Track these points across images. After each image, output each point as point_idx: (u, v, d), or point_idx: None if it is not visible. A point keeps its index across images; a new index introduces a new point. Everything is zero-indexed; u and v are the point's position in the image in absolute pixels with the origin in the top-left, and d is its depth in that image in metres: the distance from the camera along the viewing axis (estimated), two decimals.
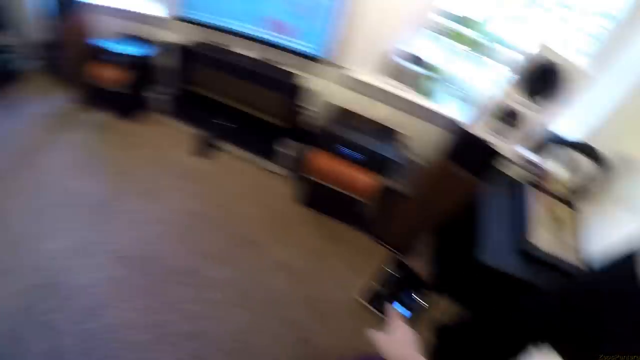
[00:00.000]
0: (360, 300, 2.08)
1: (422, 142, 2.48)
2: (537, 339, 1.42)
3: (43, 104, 2.90)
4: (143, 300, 1.95)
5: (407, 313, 2.03)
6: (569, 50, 1.35)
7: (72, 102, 2.92)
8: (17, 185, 2.33)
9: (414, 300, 2.06)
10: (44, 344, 1.72)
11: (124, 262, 2.07)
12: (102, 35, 2.67)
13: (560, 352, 1.25)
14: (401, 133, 2.32)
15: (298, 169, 2.64)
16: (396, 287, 2.11)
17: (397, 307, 2.00)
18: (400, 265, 2.22)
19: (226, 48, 2.55)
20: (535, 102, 1.43)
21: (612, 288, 1.25)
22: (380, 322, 2.00)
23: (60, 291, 1.90)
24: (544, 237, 1.89)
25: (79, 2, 2.50)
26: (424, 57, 2.27)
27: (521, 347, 1.33)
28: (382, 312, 2.01)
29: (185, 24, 2.51)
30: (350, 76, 2.29)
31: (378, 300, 2.06)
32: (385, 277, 2.15)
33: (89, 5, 2.56)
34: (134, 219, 2.28)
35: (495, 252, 1.82)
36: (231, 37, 2.47)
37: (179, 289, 2.02)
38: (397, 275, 2.17)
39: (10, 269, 1.94)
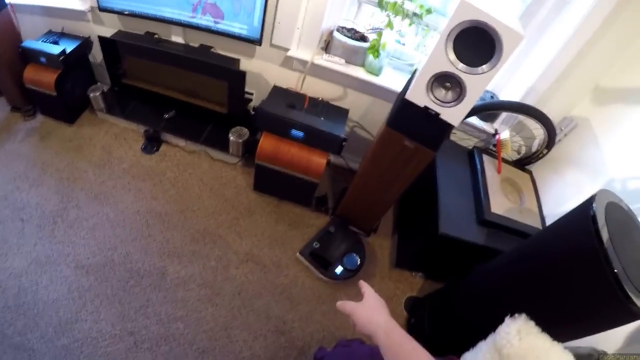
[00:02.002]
0: (300, 257, 2.18)
1: (368, 116, 2.52)
2: (504, 304, 1.49)
3: None
4: (112, 308, 2.00)
5: (352, 270, 2.15)
6: (502, 11, 1.34)
7: (8, 111, 2.81)
8: None
9: (355, 258, 2.18)
10: None
11: (87, 271, 2.11)
12: (28, 37, 2.53)
13: (537, 320, 1.29)
14: (347, 109, 2.33)
15: (248, 155, 2.66)
16: (335, 246, 2.22)
17: (340, 266, 2.19)
18: (340, 225, 2.31)
19: (159, 37, 2.45)
20: (475, 67, 1.42)
21: (567, 244, 1.30)
22: (318, 279, 2.12)
23: (28, 310, 1.93)
24: (502, 203, 1.99)
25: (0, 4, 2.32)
26: (364, 31, 2.25)
27: (496, 317, 1.37)
28: (320, 268, 2.20)
29: (114, 15, 2.41)
30: (290, 56, 2.26)
31: (317, 257, 2.22)
32: (324, 235, 2.25)
33: (9, 6, 2.37)
34: (90, 225, 2.29)
35: (456, 223, 1.91)
36: (164, 25, 2.38)
37: (147, 292, 2.08)
38: (334, 233, 2.27)
39: None
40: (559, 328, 1.31)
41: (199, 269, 2.20)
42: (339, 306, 0.88)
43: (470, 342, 1.45)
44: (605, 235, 1.13)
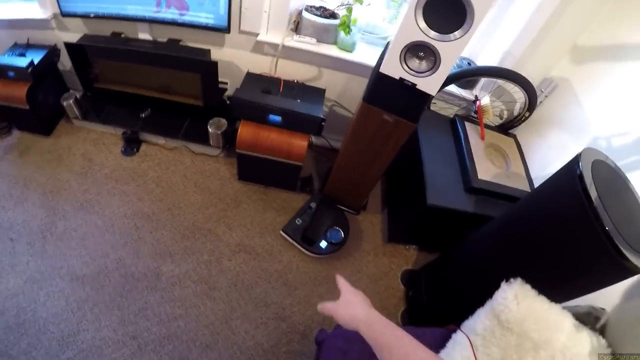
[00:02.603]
0: (283, 234, 2.26)
1: (346, 94, 2.52)
2: (499, 270, 1.51)
3: None
4: (112, 314, 2.02)
5: (337, 244, 2.18)
6: None
7: None
8: None
9: (339, 232, 2.20)
10: None
11: (83, 281, 2.12)
12: None
13: (533, 283, 1.32)
14: (323, 89, 2.31)
15: (229, 146, 2.66)
16: (318, 221, 2.23)
17: (324, 241, 2.23)
18: (322, 201, 2.33)
19: (126, 36, 2.42)
20: (447, 34, 1.40)
21: (556, 205, 1.31)
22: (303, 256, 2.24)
23: (29, 328, 1.95)
24: (488, 169, 2.00)
25: None
26: (333, 8, 2.23)
27: (492, 283, 1.40)
28: (302, 244, 2.24)
29: (78, 19, 2.38)
30: (261, 41, 2.24)
31: (301, 234, 2.27)
32: (306, 212, 2.26)
33: None
34: (79, 236, 2.30)
35: (444, 193, 1.93)
36: (129, 23, 2.35)
37: (144, 294, 2.10)
38: (316, 208, 2.29)
39: None
40: (555, 289, 1.34)
41: (192, 265, 2.22)
42: (319, 309, 0.91)
43: (469, 310, 1.48)
44: (593, 193, 1.14)
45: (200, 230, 2.38)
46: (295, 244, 2.27)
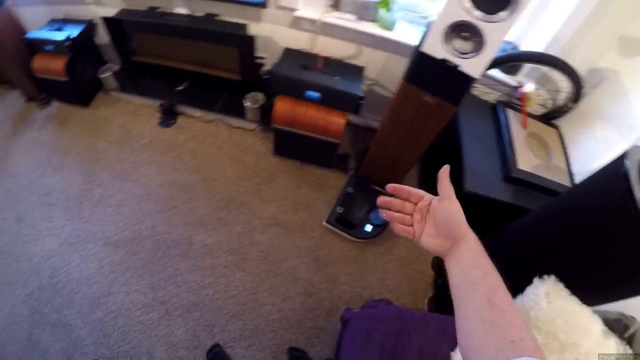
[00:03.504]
0: (328, 225, 2.25)
1: (385, 72, 2.51)
2: (532, 265, 1.48)
3: None
4: (143, 279, 2.10)
5: (380, 226, 2.17)
6: None
7: (24, 102, 2.90)
8: None
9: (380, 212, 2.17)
10: (60, 342, 1.90)
11: (116, 246, 2.20)
12: (31, 28, 2.60)
13: (566, 282, 1.30)
14: (362, 67, 2.31)
15: (266, 120, 2.68)
16: (358, 206, 2.23)
17: (368, 224, 2.24)
18: (358, 184, 2.32)
19: (162, 11, 2.45)
20: (493, 14, 1.37)
21: (598, 203, 1.27)
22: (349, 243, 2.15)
23: (62, 289, 2.05)
24: (528, 159, 1.95)
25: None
26: None
27: (524, 278, 1.38)
28: (346, 231, 2.24)
29: None
30: (298, 16, 2.25)
31: (343, 221, 2.25)
32: (345, 198, 2.26)
33: (9, 0, 2.42)
34: (115, 203, 2.38)
35: (482, 180, 1.88)
36: None
37: (175, 261, 2.17)
38: (354, 193, 2.33)
39: (8, 279, 2.08)
40: (588, 291, 1.31)
41: (224, 236, 2.27)
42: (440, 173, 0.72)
43: None
44: (638, 193, 1.09)
45: (234, 203, 2.42)
46: (341, 232, 2.27)
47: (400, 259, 2.27)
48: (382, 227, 2.27)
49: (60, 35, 2.46)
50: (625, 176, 1.13)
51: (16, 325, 1.94)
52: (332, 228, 2.31)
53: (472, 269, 0.66)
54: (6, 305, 1.99)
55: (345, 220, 2.29)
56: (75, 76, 2.65)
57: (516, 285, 1.38)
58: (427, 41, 1.56)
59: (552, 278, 1.31)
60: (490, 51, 1.45)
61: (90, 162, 2.55)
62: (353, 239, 2.28)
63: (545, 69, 2.07)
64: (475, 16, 1.39)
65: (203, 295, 2.05)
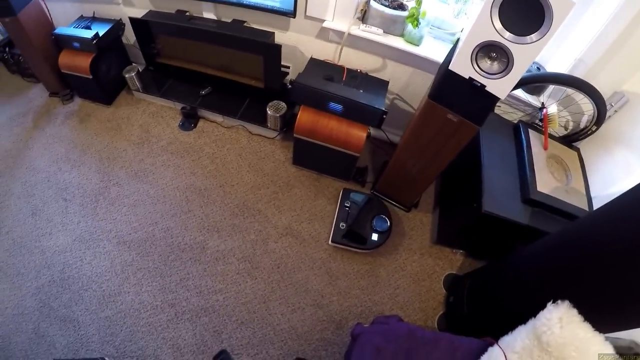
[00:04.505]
0: (333, 244, 2.28)
1: (409, 88, 2.52)
2: (546, 289, 1.47)
3: (18, 104, 2.94)
4: (154, 281, 2.13)
5: (385, 231, 2.23)
6: None
7: (47, 97, 2.98)
8: (8, 188, 2.46)
9: (383, 219, 2.20)
10: (67, 337, 1.93)
11: (129, 246, 2.24)
12: (60, 24, 2.68)
13: (580, 308, 1.28)
14: (387, 81, 2.33)
15: (287, 129, 2.72)
16: (361, 217, 2.25)
17: (374, 234, 2.26)
18: (349, 196, 2.42)
19: (190, 14, 2.53)
20: (523, 36, 1.38)
21: (618, 230, 1.24)
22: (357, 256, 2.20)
23: (72, 284, 2.09)
24: (548, 182, 1.95)
25: None
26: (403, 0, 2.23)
27: (537, 302, 1.37)
28: (355, 246, 2.24)
29: None
30: (326, 27, 2.29)
31: (349, 236, 2.25)
32: (345, 212, 2.27)
33: None
34: (131, 202, 2.42)
35: (501, 201, 1.89)
36: (194, 1, 2.47)
37: (187, 265, 2.19)
38: (351, 205, 2.38)
39: (19, 271, 2.12)
40: (602, 318, 1.29)
41: (238, 243, 2.29)
42: None
43: (509, 326, 1.45)
44: None
45: (250, 210, 2.44)
46: (350, 248, 2.28)
47: (413, 275, 2.27)
48: (387, 233, 2.28)
49: (87, 33, 2.53)
50: None
51: (24, 317, 1.98)
52: (339, 246, 2.32)
53: None
54: (16, 296, 2.04)
55: (351, 234, 2.29)
56: (100, 74, 2.71)
57: (528, 308, 1.39)
58: (455, 59, 1.57)
59: (566, 303, 1.29)
60: (518, 72, 1.46)
61: (109, 160, 2.60)
62: (364, 251, 2.29)
63: (569, 90, 2.07)
64: (505, 37, 1.40)
65: (213, 301, 2.07)
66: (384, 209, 2.40)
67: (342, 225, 2.33)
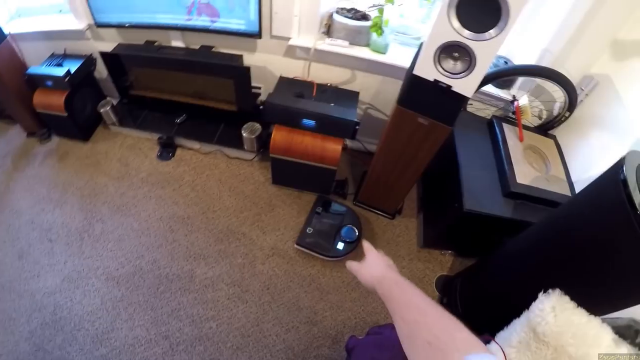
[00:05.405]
0: (298, 247, 2.32)
1: (380, 96, 2.56)
2: (536, 279, 1.48)
3: None
4: (145, 314, 2.12)
5: (352, 242, 2.25)
6: None
7: (25, 137, 2.99)
8: None
9: (352, 229, 2.20)
10: None
11: (118, 281, 2.24)
12: (32, 63, 2.69)
13: (572, 294, 1.29)
14: (357, 92, 2.37)
15: (263, 150, 2.74)
16: (329, 224, 2.34)
17: (340, 242, 2.28)
18: (326, 203, 2.46)
19: (159, 44, 2.54)
20: (482, 33, 1.39)
21: (598, 212, 1.27)
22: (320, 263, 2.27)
23: (65, 325, 2.08)
24: (527, 172, 1.98)
25: (0, 36, 2.45)
26: (364, 10, 2.28)
27: (529, 293, 1.38)
28: (319, 252, 2.27)
29: (112, 29, 2.54)
30: (292, 45, 2.32)
31: (314, 242, 2.30)
32: (314, 218, 2.28)
33: (9, 36, 2.50)
34: (115, 237, 2.43)
35: (481, 198, 1.92)
36: (162, 31, 2.47)
37: (177, 295, 2.20)
38: (322, 212, 2.41)
39: (11, 316, 2.12)
40: (595, 301, 1.31)
41: (226, 268, 2.30)
42: (347, 266, 0.96)
43: (504, 321, 1.46)
44: (638, 199, 1.09)
45: (235, 234, 2.45)
46: (313, 253, 2.29)
47: None
48: (354, 243, 2.30)
49: (59, 71, 2.54)
50: (624, 182, 1.14)
51: None
52: (303, 249, 2.34)
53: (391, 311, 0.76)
54: (9, 342, 2.02)
55: (317, 242, 2.31)
56: (75, 111, 2.72)
57: (521, 300, 1.40)
58: (418, 63, 1.59)
59: (557, 292, 1.31)
60: (482, 69, 1.48)
61: (90, 197, 2.60)
62: (326, 258, 2.30)
63: (538, 80, 2.09)
64: (464, 36, 1.43)
65: (206, 329, 2.07)
66: (356, 220, 2.42)
67: (310, 230, 2.35)
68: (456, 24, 1.42)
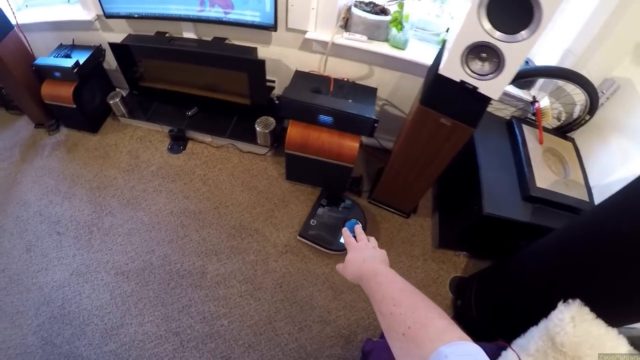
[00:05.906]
0: (301, 239, 2.30)
1: (398, 92, 2.51)
2: (556, 287, 1.46)
3: (4, 138, 2.91)
4: (156, 310, 2.10)
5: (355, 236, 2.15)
6: None
7: (33, 128, 2.96)
8: (0, 225, 2.43)
9: (355, 223, 2.18)
10: None
11: (127, 276, 2.22)
12: (40, 54, 2.65)
13: (592, 305, 1.27)
14: (375, 88, 2.32)
15: (277, 144, 2.70)
16: (333, 217, 2.32)
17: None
18: (331, 196, 2.42)
19: (170, 36, 2.51)
20: (513, 34, 1.35)
21: (623, 222, 1.24)
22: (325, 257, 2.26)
23: (74, 319, 2.06)
24: (546, 176, 1.94)
25: (7, 27, 2.41)
26: (384, 3, 2.23)
27: (548, 301, 1.35)
28: (321, 244, 2.24)
29: (122, 20, 2.49)
30: (309, 38, 2.28)
31: (317, 234, 2.28)
32: (318, 210, 2.26)
33: (16, 27, 2.46)
34: (125, 232, 2.40)
35: (501, 201, 1.87)
36: (173, 23, 2.44)
37: (188, 292, 2.17)
38: (327, 205, 2.39)
39: (19, 309, 2.10)
40: (614, 312, 1.29)
41: (238, 265, 2.27)
42: (336, 269, 0.94)
43: (521, 327, 1.44)
44: None
45: (247, 230, 2.42)
46: (316, 245, 2.28)
47: (418, 281, 2.26)
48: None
49: (68, 62, 2.50)
50: None
51: (27, 356, 1.95)
52: (306, 241, 2.32)
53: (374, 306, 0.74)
54: (17, 335, 2.01)
55: (320, 235, 2.29)
56: (84, 102, 2.69)
57: (539, 308, 1.37)
58: (444, 63, 1.55)
59: (577, 302, 1.28)
60: (511, 71, 1.44)
61: (100, 190, 2.57)
62: (328, 252, 2.28)
63: (560, 82, 2.06)
64: (495, 37, 1.38)
65: (218, 326, 2.05)
66: (361, 214, 2.40)
67: (313, 222, 2.33)
68: (487, 25, 1.37)
